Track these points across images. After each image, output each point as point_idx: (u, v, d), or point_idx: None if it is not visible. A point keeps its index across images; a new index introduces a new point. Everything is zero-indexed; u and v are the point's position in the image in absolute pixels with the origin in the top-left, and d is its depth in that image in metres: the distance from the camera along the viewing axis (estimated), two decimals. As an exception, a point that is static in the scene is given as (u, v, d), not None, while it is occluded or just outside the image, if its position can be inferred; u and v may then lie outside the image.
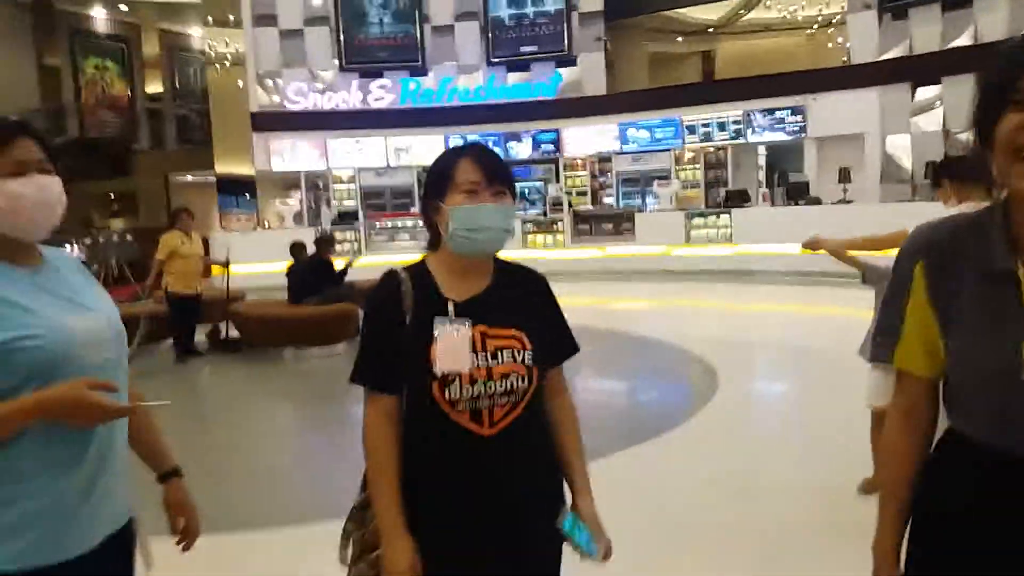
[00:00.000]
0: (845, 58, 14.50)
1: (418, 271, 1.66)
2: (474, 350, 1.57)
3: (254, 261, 12.46)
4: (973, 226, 1.23)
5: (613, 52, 17.09)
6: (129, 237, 13.76)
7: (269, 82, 16.17)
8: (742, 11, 19.21)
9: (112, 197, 20.49)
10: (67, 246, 12.79)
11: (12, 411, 1.33)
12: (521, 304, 1.67)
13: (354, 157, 16.08)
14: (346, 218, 15.11)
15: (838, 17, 16.64)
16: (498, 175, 1.62)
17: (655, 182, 14.70)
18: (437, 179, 1.64)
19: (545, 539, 1.65)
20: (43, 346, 1.37)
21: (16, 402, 1.34)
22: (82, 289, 1.56)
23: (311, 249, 8.50)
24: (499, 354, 1.59)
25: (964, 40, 12.21)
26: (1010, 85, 1.11)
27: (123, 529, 1.55)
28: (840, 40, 16.03)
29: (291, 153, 15.90)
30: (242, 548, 3.58)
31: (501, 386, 1.57)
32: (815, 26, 19.28)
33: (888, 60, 13.01)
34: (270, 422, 6.24)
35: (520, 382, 1.59)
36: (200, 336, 8.32)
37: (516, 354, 1.59)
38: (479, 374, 1.56)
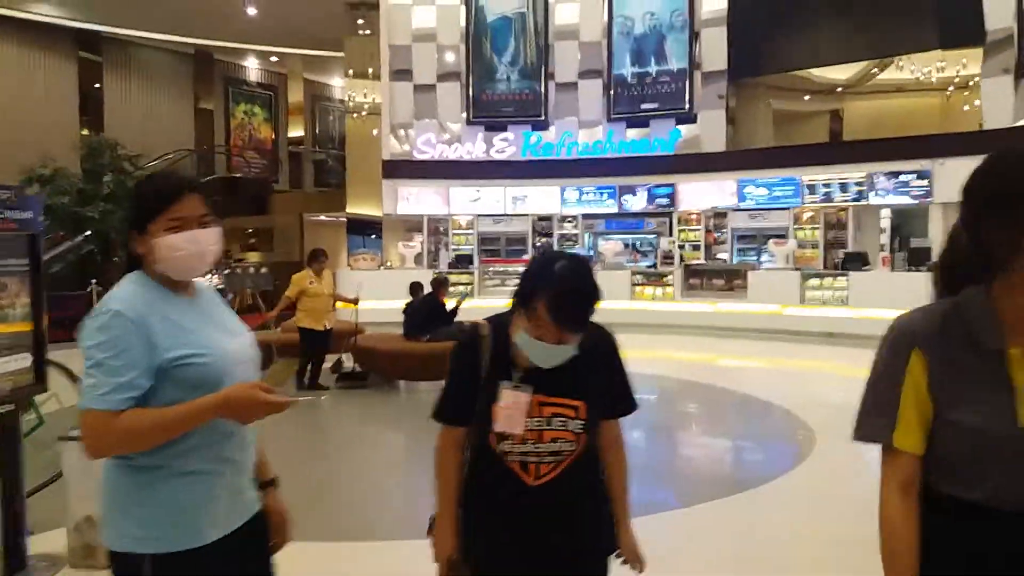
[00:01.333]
0: (981, 121, 13.99)
1: (500, 329, 1.86)
2: (530, 415, 1.79)
3: (377, 298, 13.14)
4: (961, 310, 1.35)
5: (736, 108, 17.14)
6: (264, 269, 14.80)
7: (401, 132, 17.16)
8: (874, 70, 18.85)
9: (250, 232, 22.06)
10: (207, 275, 13.92)
11: (204, 406, 1.58)
12: (585, 367, 1.82)
13: (474, 205, 16.76)
14: (462, 261, 15.74)
15: (974, 80, 16.10)
16: (576, 323, 1.73)
17: (771, 240, 14.56)
18: (532, 288, 1.74)
19: None
20: (208, 363, 1.63)
21: (205, 399, 1.58)
22: (227, 315, 1.84)
23: (428, 289, 9.02)
24: (552, 420, 1.80)
25: (1110, 107, 11.62)
26: None
27: (254, 518, 1.79)
28: (977, 103, 15.46)
29: (416, 198, 16.75)
30: (343, 555, 3.96)
31: (548, 447, 1.80)
32: (950, 88, 18.67)
33: (1021, 127, 12.51)
34: (378, 448, 6.68)
35: (567, 445, 1.81)
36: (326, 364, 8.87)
37: (568, 422, 1.81)
38: (530, 436, 1.80)
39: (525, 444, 1.80)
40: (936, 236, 13.50)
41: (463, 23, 17.08)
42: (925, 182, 13.49)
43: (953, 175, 13.04)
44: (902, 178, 13.74)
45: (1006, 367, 1.30)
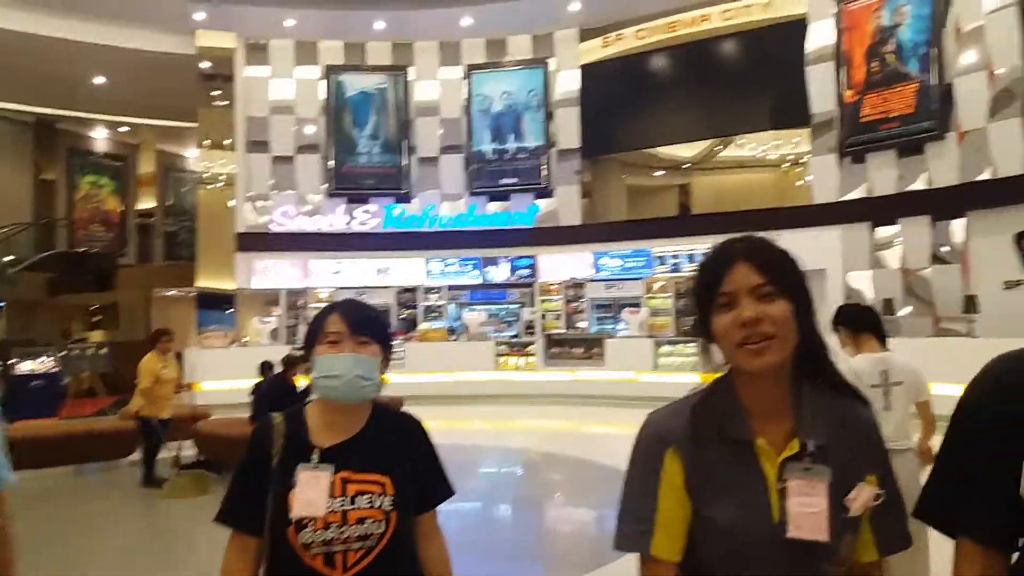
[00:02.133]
0: (811, 197, 15.16)
1: (294, 417, 1.76)
2: (332, 495, 1.63)
3: (229, 378, 12.50)
4: (707, 404, 1.33)
5: (592, 183, 17.85)
6: (104, 350, 13.82)
7: (258, 203, 16.73)
8: (717, 148, 20.20)
9: (94, 309, 20.67)
10: (42, 357, 12.86)
11: None
12: (392, 448, 1.73)
13: (335, 277, 16.46)
14: (323, 336, 15.24)
15: (805, 158, 17.52)
16: (363, 326, 1.72)
17: (625, 309, 15.05)
18: (310, 332, 1.77)
19: None
20: None
21: None
22: None
23: (280, 368, 8.63)
24: (357, 498, 1.64)
25: (920, 184, 12.86)
26: (715, 289, 1.29)
27: None
28: (809, 179, 16.80)
29: (273, 271, 16.28)
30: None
31: (356, 530, 1.62)
32: (785, 165, 20.25)
33: (849, 201, 13.65)
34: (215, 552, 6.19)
35: (376, 527, 1.63)
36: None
37: (375, 499, 1.65)
38: (333, 518, 1.62)
39: (329, 529, 1.61)
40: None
41: (323, 97, 17.04)
42: (765, 253, 14.35)
43: (789, 245, 13.94)
44: (744, 249, 14.57)
45: (757, 459, 1.28)
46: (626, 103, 16.65)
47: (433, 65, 17.22)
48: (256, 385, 8.54)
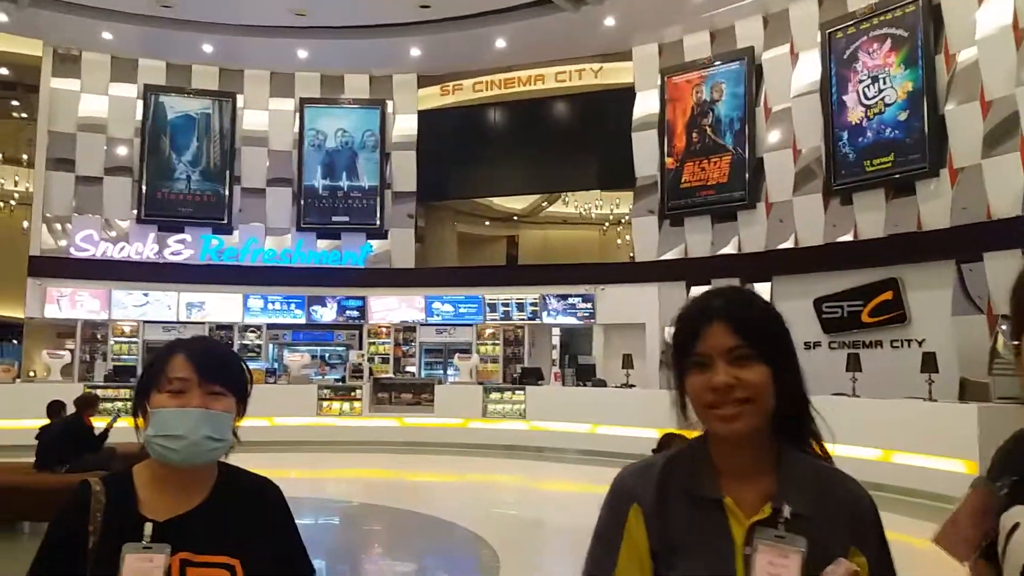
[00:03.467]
0: (632, 254, 15.95)
1: (118, 482, 1.44)
2: None
3: (10, 416, 11.18)
4: (678, 462, 1.27)
5: (425, 228, 17.79)
6: None
7: (57, 226, 15.18)
8: (544, 203, 20.87)
9: None
10: None
11: None
12: (242, 523, 1.45)
13: (141, 310, 15.20)
14: (123, 373, 13.87)
15: (626, 218, 18.47)
16: (216, 372, 1.44)
17: (456, 354, 14.99)
18: (146, 376, 1.46)
19: None
20: None
21: None
22: None
23: (72, 409, 7.72)
24: None
25: (730, 248, 13.86)
26: (691, 347, 1.22)
27: None
28: (628, 238, 17.74)
29: (69, 301, 14.75)
30: None
31: None
32: (607, 224, 21.25)
33: (666, 260, 14.46)
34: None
35: None
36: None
37: None
38: None
39: None
40: (598, 354, 14.91)
41: (139, 117, 15.89)
42: (589, 305, 14.91)
43: (612, 299, 14.64)
44: (570, 300, 15.06)
45: (727, 521, 1.20)
46: (461, 152, 16.85)
47: (263, 95, 16.56)
48: (44, 428, 7.56)
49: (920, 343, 10.96)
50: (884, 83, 11.78)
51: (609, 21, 14.20)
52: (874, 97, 11.90)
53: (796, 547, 1.14)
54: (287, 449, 12.26)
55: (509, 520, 8.28)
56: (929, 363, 9.49)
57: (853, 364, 10.35)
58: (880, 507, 1.23)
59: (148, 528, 1.35)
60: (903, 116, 11.51)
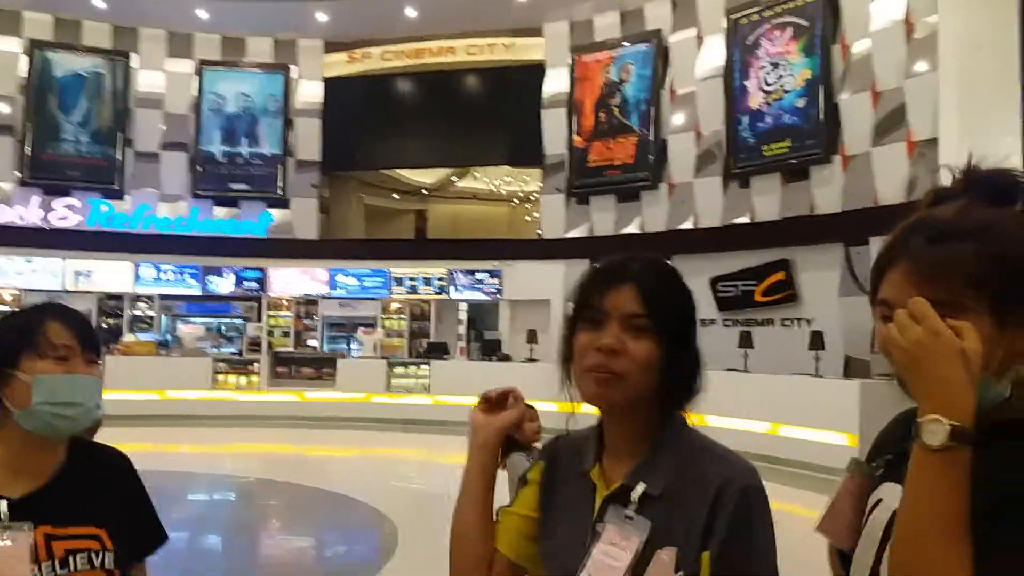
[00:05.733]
0: (539, 231, 16.04)
1: None
2: (36, 560, 1.29)
3: None
4: (580, 434, 1.26)
5: (330, 199, 17.35)
6: None
7: (-74, 185, 14.09)
8: (454, 178, 20.71)
9: None
10: None
11: None
12: (99, 493, 1.41)
13: (24, 278, 14.31)
14: (2, 345, 13.06)
15: (534, 195, 18.54)
16: (92, 341, 1.41)
17: (360, 329, 14.76)
18: (15, 339, 1.35)
19: None
20: None
21: None
22: None
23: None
24: (71, 559, 1.32)
25: (633, 228, 14.12)
26: (592, 301, 1.15)
27: None
28: (536, 215, 17.82)
29: (-59, 267, 13.76)
30: None
31: None
32: (515, 200, 21.30)
33: (572, 238, 14.62)
34: None
35: None
36: None
37: (94, 557, 1.34)
38: None
39: None
40: (505, 330, 14.97)
41: (24, 73, 14.84)
42: (496, 281, 14.93)
43: (519, 275, 14.71)
44: (478, 276, 15.05)
45: (593, 493, 1.17)
46: (369, 123, 16.45)
47: (160, 55, 15.75)
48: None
49: (809, 322, 11.46)
50: (784, 70, 12.18)
51: (521, -5, 14.14)
52: (774, 83, 12.29)
53: (638, 530, 1.09)
54: (180, 423, 11.85)
55: (410, 494, 8.25)
56: (817, 341, 9.97)
57: (745, 341, 10.76)
58: (766, 478, 1.12)
59: (3, 506, 1.29)
60: (801, 103, 11.93)
